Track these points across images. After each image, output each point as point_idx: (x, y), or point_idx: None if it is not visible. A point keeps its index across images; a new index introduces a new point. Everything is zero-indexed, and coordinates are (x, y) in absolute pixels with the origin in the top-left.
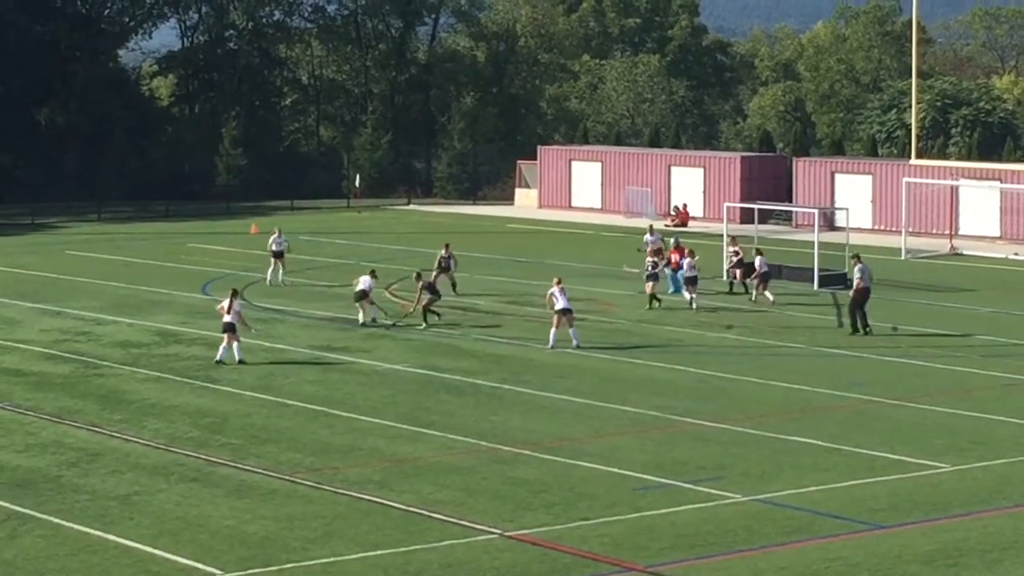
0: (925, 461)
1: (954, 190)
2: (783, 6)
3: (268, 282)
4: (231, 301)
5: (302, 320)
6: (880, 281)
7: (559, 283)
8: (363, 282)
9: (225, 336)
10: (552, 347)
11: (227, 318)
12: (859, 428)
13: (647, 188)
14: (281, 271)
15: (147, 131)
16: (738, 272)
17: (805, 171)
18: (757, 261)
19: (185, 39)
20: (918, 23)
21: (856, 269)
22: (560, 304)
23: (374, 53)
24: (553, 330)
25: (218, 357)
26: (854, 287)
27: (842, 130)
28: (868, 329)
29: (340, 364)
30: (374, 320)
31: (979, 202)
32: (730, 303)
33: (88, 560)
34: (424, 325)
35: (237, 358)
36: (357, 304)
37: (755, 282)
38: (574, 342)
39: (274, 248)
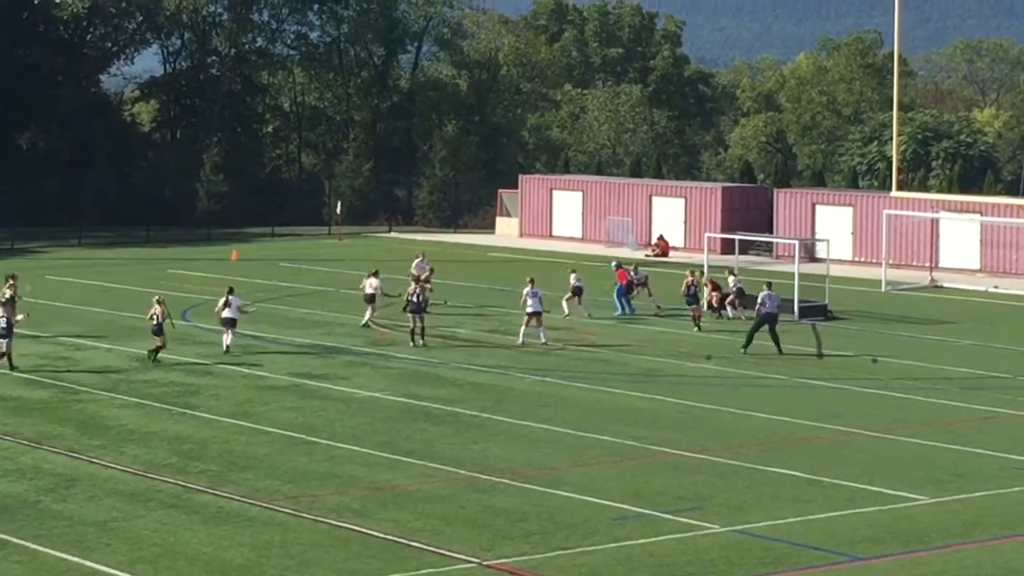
0: (904, 493)
1: (934, 222)
2: (765, 37)
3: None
4: (227, 298)
5: (282, 347)
6: (860, 313)
7: (532, 283)
8: (370, 285)
9: (226, 329)
10: (522, 343)
11: (227, 313)
12: (838, 460)
13: (628, 218)
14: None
15: (128, 156)
16: (715, 296)
17: (786, 202)
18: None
19: (167, 65)
20: (900, 56)
21: (763, 295)
22: (530, 307)
23: (356, 80)
24: (523, 328)
25: (225, 345)
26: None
27: (823, 161)
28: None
29: (319, 391)
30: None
31: (959, 235)
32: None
33: None
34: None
35: (227, 345)
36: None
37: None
38: (541, 338)
39: (415, 272)
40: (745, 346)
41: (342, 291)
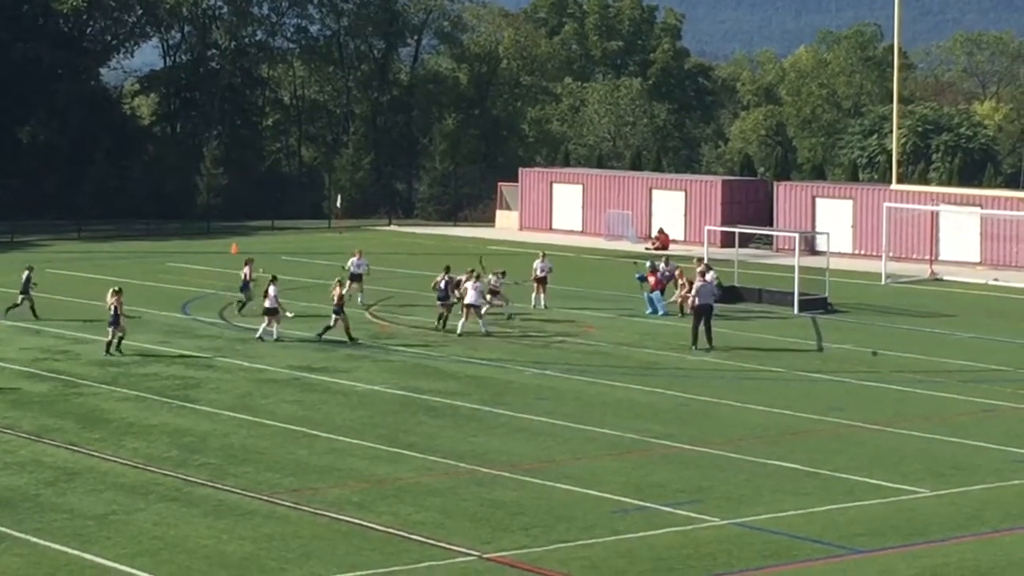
0: (904, 486)
1: (934, 215)
2: (765, 30)
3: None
4: (268, 287)
5: (282, 340)
6: (860, 306)
7: (475, 277)
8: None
9: (265, 318)
10: (460, 334)
11: (266, 303)
12: (838, 452)
13: (628, 211)
14: (360, 295)
15: (128, 150)
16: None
17: (786, 195)
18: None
19: (167, 58)
20: (900, 48)
21: (697, 286)
22: (468, 299)
23: (356, 74)
24: (463, 320)
25: (257, 334)
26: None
27: (823, 155)
28: (711, 345)
29: (320, 384)
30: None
31: (959, 228)
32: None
33: None
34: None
35: (275, 336)
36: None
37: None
38: (482, 330)
39: (352, 271)
40: (693, 343)
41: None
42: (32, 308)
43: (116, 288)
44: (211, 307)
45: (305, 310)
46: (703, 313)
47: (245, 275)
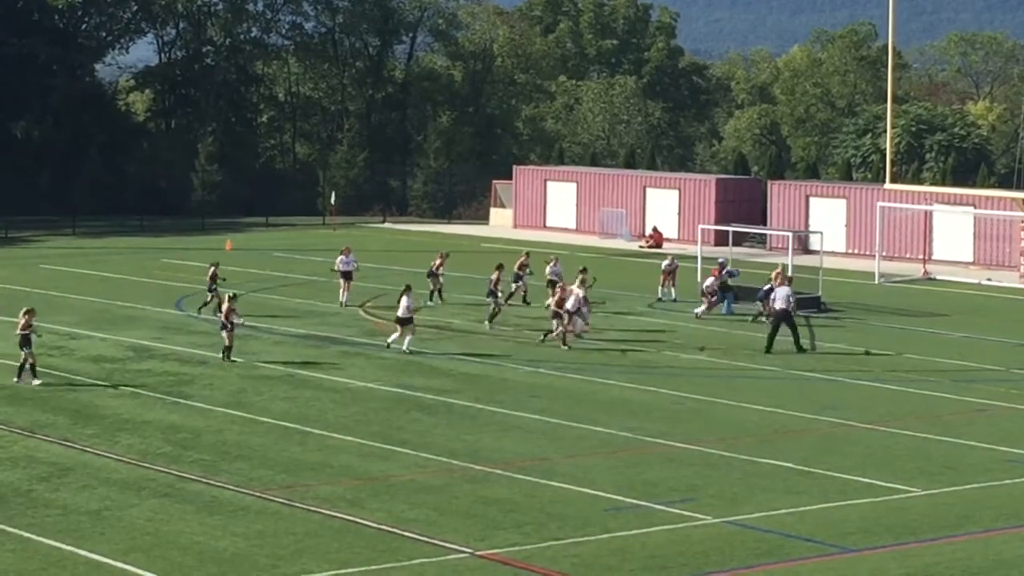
0: (896, 485)
1: (928, 215)
2: (759, 29)
3: (340, 304)
4: (402, 296)
5: (275, 337)
6: (853, 305)
7: (581, 281)
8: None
9: (399, 328)
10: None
11: (399, 312)
12: (831, 452)
13: (622, 209)
14: (346, 293)
15: (123, 146)
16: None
17: (780, 194)
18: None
19: (162, 54)
20: (894, 48)
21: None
22: (569, 304)
23: (351, 71)
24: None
25: (388, 342)
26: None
27: (817, 154)
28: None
29: (313, 381)
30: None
31: (953, 227)
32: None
33: (58, 575)
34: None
35: (405, 347)
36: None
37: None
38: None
39: (341, 268)
40: (768, 349)
41: (335, 282)
42: (219, 305)
43: (231, 294)
44: (406, 283)
45: (300, 306)
46: (781, 318)
47: (434, 265)
